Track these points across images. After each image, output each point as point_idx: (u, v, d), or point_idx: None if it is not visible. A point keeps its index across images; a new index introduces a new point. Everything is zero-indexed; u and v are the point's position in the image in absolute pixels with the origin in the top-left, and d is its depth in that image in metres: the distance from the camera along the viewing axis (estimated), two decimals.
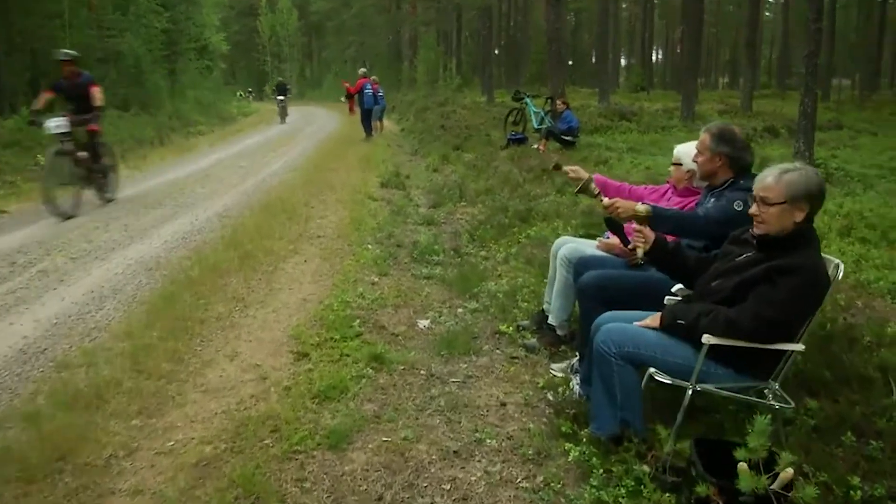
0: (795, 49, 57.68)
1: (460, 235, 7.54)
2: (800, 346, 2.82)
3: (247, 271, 6.15)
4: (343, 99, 20.98)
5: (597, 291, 3.60)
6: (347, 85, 20.52)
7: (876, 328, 3.80)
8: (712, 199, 3.70)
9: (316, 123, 27.83)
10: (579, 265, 4.02)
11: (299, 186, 11.07)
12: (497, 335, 4.75)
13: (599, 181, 4.65)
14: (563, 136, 15.04)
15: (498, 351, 4.52)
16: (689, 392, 2.86)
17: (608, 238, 4.40)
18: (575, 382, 3.75)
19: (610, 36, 31.84)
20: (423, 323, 5.02)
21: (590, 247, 4.45)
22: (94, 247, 7.30)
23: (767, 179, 2.88)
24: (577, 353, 4.09)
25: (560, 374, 4.06)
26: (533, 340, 4.52)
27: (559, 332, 4.42)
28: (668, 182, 4.52)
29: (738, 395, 2.94)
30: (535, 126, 16.75)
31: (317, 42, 68.60)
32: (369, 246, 7.08)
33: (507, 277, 5.96)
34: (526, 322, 4.83)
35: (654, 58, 63.89)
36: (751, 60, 24.92)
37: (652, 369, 2.92)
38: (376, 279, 5.98)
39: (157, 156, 15.82)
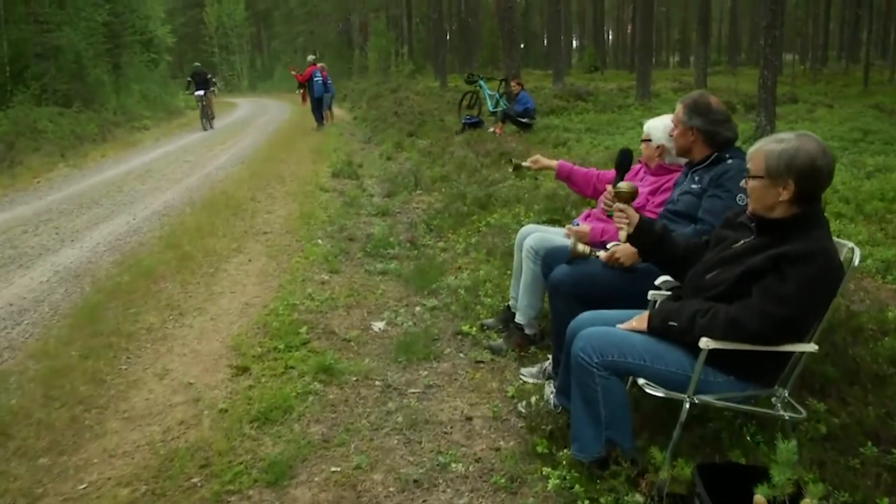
0: (743, 25, 58.15)
1: (416, 226, 7.07)
2: (812, 347, 2.42)
3: (184, 275, 5.61)
4: (297, 91, 20.29)
5: (571, 288, 3.17)
6: (295, 73, 19.81)
7: (876, 314, 3.44)
8: (695, 178, 3.29)
9: (267, 115, 26.99)
10: (548, 257, 3.59)
11: (246, 180, 10.48)
12: (459, 336, 4.30)
13: (565, 169, 4.24)
14: (519, 119, 14.62)
15: (461, 355, 4.07)
16: (687, 405, 2.45)
17: (577, 225, 3.97)
18: (549, 391, 3.32)
19: (562, 16, 31.46)
20: (378, 325, 4.55)
21: (558, 235, 4.02)
22: (19, 253, 6.67)
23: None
24: (550, 356, 3.68)
25: (531, 381, 3.63)
26: (499, 341, 4.08)
27: (527, 332, 3.99)
28: (639, 161, 4.11)
29: (741, 407, 2.54)
30: (491, 109, 16.33)
31: (266, 32, 67.05)
32: (319, 241, 6.58)
33: (467, 270, 5.52)
34: (490, 321, 4.39)
35: (605, 38, 63.80)
36: (703, 37, 24.74)
37: (641, 380, 2.50)
38: (327, 277, 5.49)
39: (98, 153, 15.01)
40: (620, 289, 3.12)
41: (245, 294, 5.15)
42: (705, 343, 2.37)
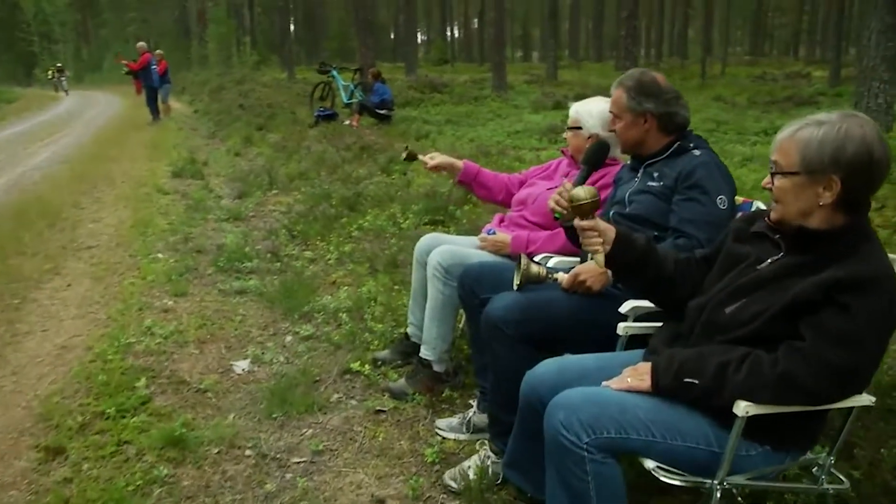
0: (584, 22, 60.25)
1: (277, 233, 6.05)
2: (868, 399, 1.79)
3: None
4: (131, 77, 18.29)
5: (520, 326, 2.37)
6: (126, 62, 17.89)
7: None
8: (652, 175, 2.61)
9: (95, 108, 24.49)
10: (468, 279, 2.79)
11: (68, 182, 8.96)
12: (348, 376, 3.43)
13: (472, 170, 3.49)
14: (377, 110, 13.79)
15: (353, 402, 3.21)
16: (718, 494, 1.74)
17: (493, 233, 3.21)
18: (485, 454, 2.53)
19: (412, 7, 30.84)
20: (241, 365, 3.59)
21: (469, 246, 3.24)
22: None
23: (780, 135, 1.83)
24: (474, 402, 2.89)
25: (453, 437, 2.84)
26: (400, 382, 3.24)
27: (437, 369, 3.18)
28: (563, 153, 3.41)
29: (781, 486, 1.87)
30: (345, 101, 15.36)
31: (92, 20, 61.88)
32: (160, 255, 5.45)
33: (345, 286, 4.63)
34: (385, 353, 3.54)
35: (452, 32, 64.06)
36: (551, 31, 24.93)
37: (651, 463, 1.76)
38: (171, 303, 4.42)
39: None
40: (586, 322, 2.37)
41: (61, 333, 4.00)
42: (744, 409, 1.67)
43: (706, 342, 1.85)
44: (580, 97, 14.88)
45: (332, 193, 7.04)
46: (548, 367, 2.03)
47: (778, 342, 1.73)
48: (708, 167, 2.48)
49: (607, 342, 2.29)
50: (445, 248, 3.10)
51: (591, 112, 3.11)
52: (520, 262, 2.49)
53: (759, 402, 1.69)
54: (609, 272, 2.39)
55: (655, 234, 2.53)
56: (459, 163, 3.46)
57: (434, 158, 3.43)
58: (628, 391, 1.82)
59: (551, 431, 1.77)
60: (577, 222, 2.00)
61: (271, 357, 3.67)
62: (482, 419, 2.81)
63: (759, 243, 1.92)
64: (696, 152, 2.55)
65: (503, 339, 2.36)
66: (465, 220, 5.79)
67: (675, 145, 2.59)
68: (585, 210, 1.97)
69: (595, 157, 2.58)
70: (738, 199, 2.66)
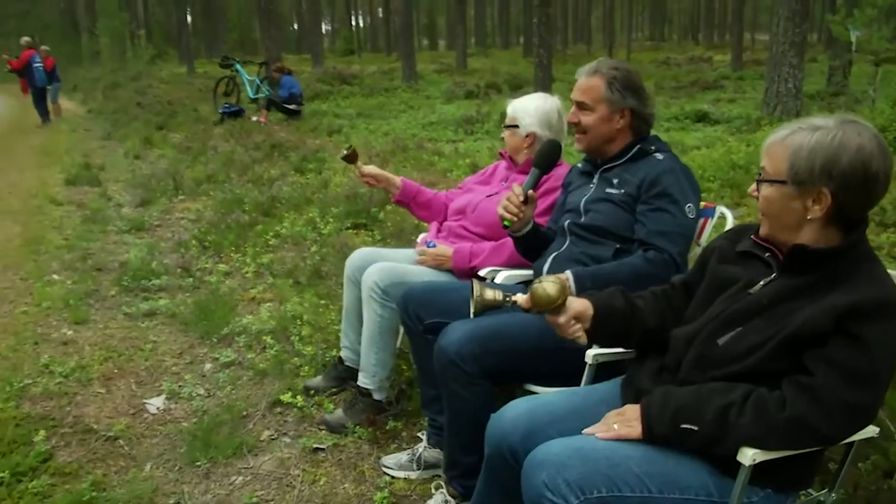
0: (489, 11, 60.44)
1: (187, 244, 5.62)
2: (874, 430, 1.64)
3: None
4: (8, 70, 17.01)
5: (480, 360, 2.13)
6: (7, 58, 16.65)
7: None
8: (611, 180, 2.42)
9: None
10: (413, 303, 2.53)
11: None
12: (278, 409, 3.12)
13: (412, 188, 3.23)
14: (285, 105, 13.29)
15: (287, 439, 2.91)
16: None
17: (432, 245, 2.96)
18: (445, 499, 2.29)
19: None
20: (156, 404, 3.23)
21: (407, 262, 2.99)
22: None
23: (771, 138, 1.66)
24: (424, 435, 2.64)
25: (402, 475, 2.58)
26: (338, 413, 2.96)
27: (377, 398, 2.92)
28: (501, 155, 3.19)
29: None
30: (251, 96, 14.75)
31: None
32: (55, 276, 4.95)
33: (267, 303, 4.29)
34: (317, 380, 3.25)
35: (357, 22, 63.18)
36: (460, 18, 24.78)
37: None
38: (70, 333, 3.98)
39: None
40: (550, 350, 2.14)
41: None
42: (751, 458, 1.49)
43: (698, 377, 1.66)
44: (492, 86, 14.77)
45: (245, 198, 6.64)
46: (516, 411, 1.80)
47: (779, 376, 1.56)
48: (675, 174, 2.30)
49: (574, 372, 2.08)
50: (382, 265, 2.83)
51: (528, 109, 2.91)
52: (472, 289, 2.25)
53: (768, 448, 1.51)
54: (572, 289, 2.20)
55: (618, 245, 2.34)
56: (397, 179, 3.19)
57: (370, 174, 3.15)
58: (617, 439, 1.61)
59: (533, 494, 1.54)
60: (549, 318, 1.78)
61: (189, 391, 3.31)
62: (434, 454, 2.57)
63: (747, 264, 1.74)
64: (659, 156, 2.37)
65: (461, 377, 2.11)
66: (389, 222, 5.51)
67: (636, 148, 2.41)
68: (558, 308, 1.76)
69: (547, 159, 2.38)
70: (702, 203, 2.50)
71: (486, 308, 2.21)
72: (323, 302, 4.08)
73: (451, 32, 27.24)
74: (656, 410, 1.60)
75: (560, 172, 2.92)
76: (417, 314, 2.49)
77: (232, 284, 4.71)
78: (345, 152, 3.10)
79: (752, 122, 9.99)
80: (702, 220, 2.47)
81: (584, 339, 1.80)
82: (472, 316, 2.23)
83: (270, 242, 5.42)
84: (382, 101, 16.92)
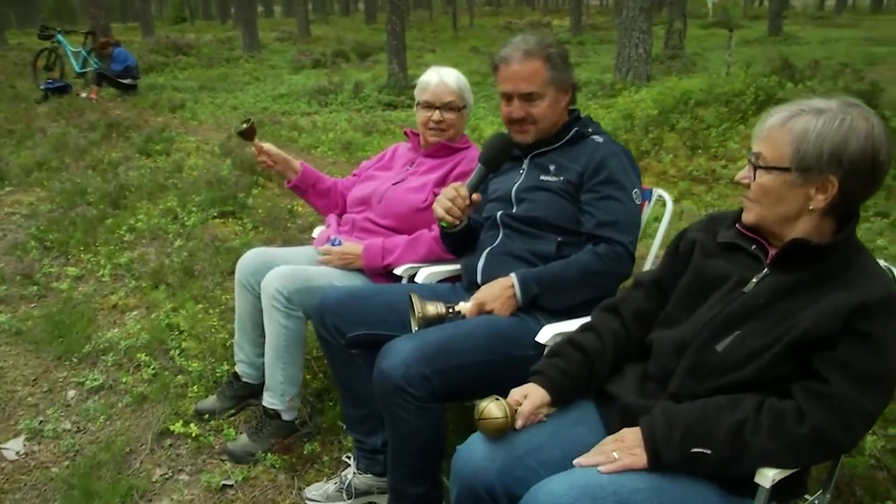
0: None
1: (25, 246, 4.87)
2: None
3: None
4: None
5: (428, 384, 1.83)
6: None
7: None
8: (547, 167, 2.20)
9: None
10: (327, 315, 2.19)
11: None
12: (168, 440, 2.71)
13: (311, 175, 2.88)
14: (119, 80, 12.14)
15: (184, 476, 2.51)
16: None
17: (338, 243, 2.63)
18: None
19: None
20: (14, 448, 2.72)
21: (309, 262, 2.65)
22: None
23: (768, 121, 1.50)
24: (353, 457, 2.35)
25: None
26: (242, 440, 2.59)
27: (287, 418, 2.58)
28: (406, 134, 2.88)
29: None
30: (77, 70, 13.35)
31: None
32: None
33: (133, 312, 3.79)
34: (211, 401, 2.85)
35: None
36: None
37: None
38: None
39: None
40: (501, 360, 1.91)
41: None
42: (772, 479, 1.34)
43: (694, 388, 1.49)
44: (339, 55, 14.23)
45: (88, 187, 5.89)
46: (486, 442, 1.56)
47: (784, 382, 1.41)
48: (618, 157, 2.12)
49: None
50: (282, 270, 2.47)
51: (465, 85, 2.64)
52: (412, 303, 1.97)
53: (788, 466, 1.37)
54: (518, 295, 1.98)
55: (560, 238, 2.13)
56: (296, 163, 2.82)
57: (269, 153, 2.76)
58: (621, 470, 1.41)
59: None
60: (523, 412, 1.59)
61: (54, 427, 2.82)
62: (366, 480, 2.29)
63: (733, 257, 1.58)
64: (598, 138, 2.18)
65: (409, 403, 1.83)
66: (259, 209, 5.06)
67: (573, 131, 2.20)
68: (511, 423, 1.56)
69: (499, 154, 2.14)
70: None
71: (430, 324, 1.96)
72: (200, 306, 3.63)
73: None
74: (662, 434, 1.41)
75: (469, 156, 2.69)
76: (337, 326, 2.18)
77: (86, 290, 4.14)
78: (243, 126, 2.69)
79: (606, 86, 10.19)
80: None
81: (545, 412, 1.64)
82: (413, 330, 1.98)
83: (126, 238, 4.82)
84: (225, 73, 15.93)
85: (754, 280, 1.51)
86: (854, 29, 24.79)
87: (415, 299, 1.96)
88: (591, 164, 2.12)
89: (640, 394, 1.57)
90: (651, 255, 2.27)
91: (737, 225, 1.60)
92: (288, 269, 2.48)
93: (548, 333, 1.92)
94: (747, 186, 1.54)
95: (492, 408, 1.54)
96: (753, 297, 1.49)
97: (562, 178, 2.15)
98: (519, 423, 1.56)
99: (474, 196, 2.13)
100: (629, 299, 1.74)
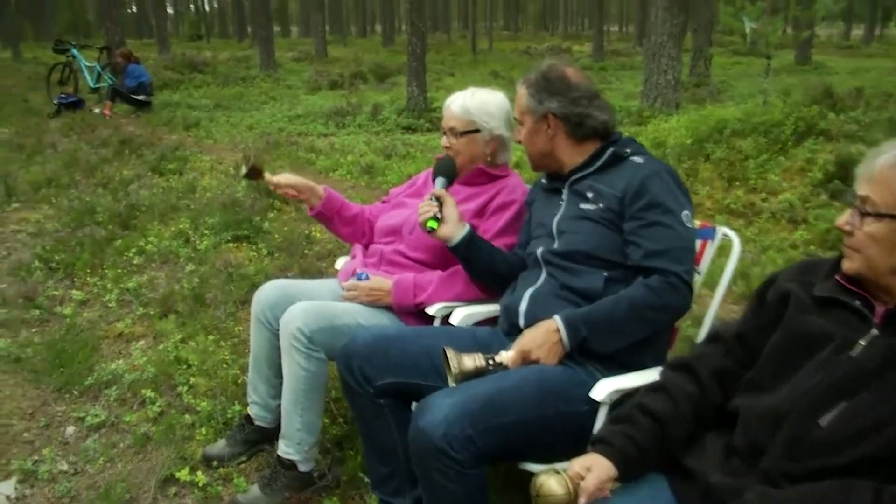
0: None
1: (29, 266, 4.72)
2: None
3: None
4: None
5: (472, 445, 1.63)
6: None
7: None
8: (585, 194, 2.04)
9: None
10: (355, 361, 2.00)
11: None
12: (173, 488, 2.51)
13: (336, 201, 2.71)
14: (133, 96, 12.12)
15: None
16: None
17: (363, 277, 2.45)
18: None
19: None
20: (4, 491, 2.53)
21: (332, 296, 2.48)
22: None
23: (876, 161, 1.32)
24: None
25: None
26: (253, 491, 2.39)
27: (304, 469, 2.38)
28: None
29: None
30: (92, 85, 13.40)
31: None
32: None
33: (139, 341, 3.62)
34: (220, 445, 2.65)
35: (203, 5, 60.18)
36: (318, 5, 23.89)
37: None
38: None
39: None
40: (551, 416, 1.73)
41: None
42: None
43: (791, 468, 1.29)
44: (357, 76, 14.21)
45: (97, 206, 5.77)
46: None
47: None
48: (661, 177, 1.94)
49: (581, 441, 1.67)
50: (305, 306, 2.29)
51: (489, 109, 2.46)
52: (446, 357, 1.78)
53: None
54: (564, 339, 1.81)
55: (606, 273, 1.94)
56: (320, 188, 2.65)
57: (290, 182, 2.60)
58: None
59: None
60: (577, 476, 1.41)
61: (49, 468, 2.63)
62: None
63: (833, 315, 1.38)
64: (637, 159, 2.02)
65: (450, 468, 1.63)
66: (276, 234, 4.90)
67: (608, 153, 2.03)
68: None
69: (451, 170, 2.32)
70: (695, 222, 2.15)
71: (468, 379, 1.76)
72: (212, 338, 3.46)
73: (306, 19, 26.30)
74: None
75: (509, 185, 2.51)
76: (365, 373, 1.99)
77: (91, 316, 3.97)
78: (244, 169, 2.53)
79: (632, 113, 10.03)
80: (699, 243, 2.11)
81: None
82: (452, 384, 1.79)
83: (135, 261, 4.67)
84: (240, 91, 15.93)
85: (862, 342, 1.32)
86: (884, 58, 24.63)
87: (450, 353, 1.78)
88: (631, 187, 1.95)
89: (725, 471, 1.37)
90: (715, 303, 2.06)
91: (836, 276, 1.40)
92: (310, 306, 2.30)
93: (603, 390, 1.73)
94: (849, 234, 1.35)
95: (551, 483, 1.35)
96: (862, 362, 1.30)
97: (601, 206, 1.98)
98: (582, 501, 1.37)
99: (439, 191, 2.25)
100: (706, 356, 1.55)
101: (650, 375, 1.79)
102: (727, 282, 2.04)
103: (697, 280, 2.09)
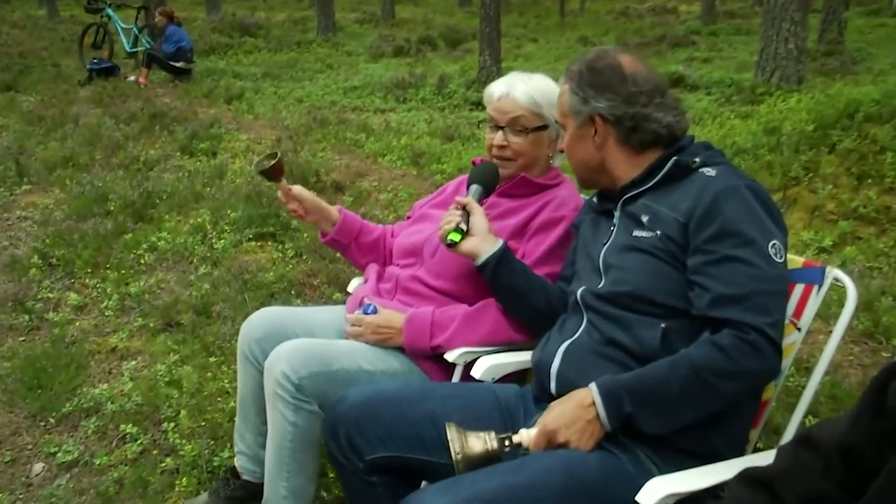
0: None
1: (24, 263, 4.69)
2: None
3: None
4: None
5: None
6: None
7: None
8: (640, 218, 1.77)
9: None
10: (341, 426, 1.79)
11: None
12: None
13: (352, 225, 2.53)
14: (171, 63, 12.24)
15: None
16: None
17: (371, 310, 2.23)
18: None
19: None
20: None
21: (333, 331, 2.28)
22: None
23: None
24: None
25: None
26: None
27: None
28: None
29: None
30: (128, 49, 13.63)
31: None
32: None
33: (131, 361, 3.51)
34: (202, 500, 2.49)
35: None
36: None
37: None
38: None
39: None
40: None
41: None
42: None
43: None
44: (426, 41, 14.04)
45: (110, 192, 5.74)
46: None
47: None
48: (739, 195, 1.65)
49: None
50: (295, 345, 2.09)
51: (553, 98, 2.16)
52: (449, 439, 1.55)
53: None
54: (602, 416, 1.55)
55: (665, 324, 1.67)
56: (333, 210, 2.46)
57: (298, 198, 2.42)
58: None
59: None
60: None
61: None
62: None
63: None
64: (709, 171, 1.72)
65: None
66: (305, 233, 4.74)
67: (670, 163, 1.74)
68: None
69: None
70: (795, 258, 1.84)
71: (475, 466, 1.53)
72: (213, 360, 3.32)
73: None
74: None
75: (564, 195, 2.26)
76: (353, 444, 1.77)
77: (85, 326, 3.89)
78: (263, 164, 2.34)
79: (744, 90, 9.53)
80: (801, 288, 1.80)
81: None
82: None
83: (143, 260, 4.59)
84: (294, 58, 16.00)
85: None
86: None
87: (452, 432, 1.54)
88: (699, 209, 1.65)
89: None
90: (821, 368, 1.74)
91: None
92: (301, 345, 2.10)
93: (655, 492, 1.46)
94: None
95: None
96: None
97: (658, 233, 1.70)
98: None
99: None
100: (795, 471, 1.24)
101: (723, 472, 1.52)
102: (837, 338, 1.72)
103: (795, 339, 1.78)
